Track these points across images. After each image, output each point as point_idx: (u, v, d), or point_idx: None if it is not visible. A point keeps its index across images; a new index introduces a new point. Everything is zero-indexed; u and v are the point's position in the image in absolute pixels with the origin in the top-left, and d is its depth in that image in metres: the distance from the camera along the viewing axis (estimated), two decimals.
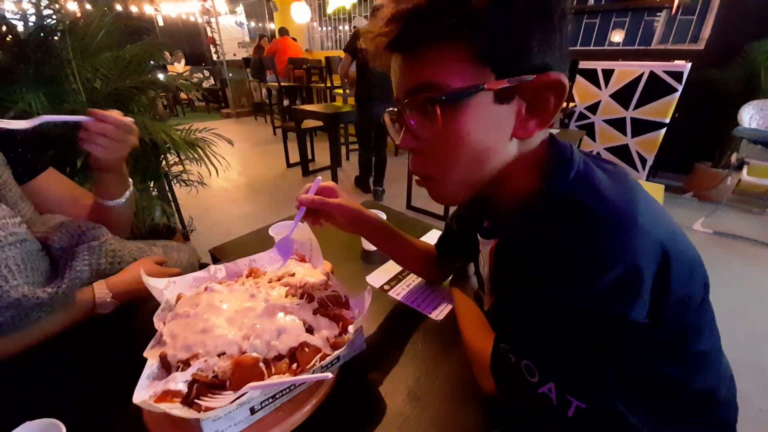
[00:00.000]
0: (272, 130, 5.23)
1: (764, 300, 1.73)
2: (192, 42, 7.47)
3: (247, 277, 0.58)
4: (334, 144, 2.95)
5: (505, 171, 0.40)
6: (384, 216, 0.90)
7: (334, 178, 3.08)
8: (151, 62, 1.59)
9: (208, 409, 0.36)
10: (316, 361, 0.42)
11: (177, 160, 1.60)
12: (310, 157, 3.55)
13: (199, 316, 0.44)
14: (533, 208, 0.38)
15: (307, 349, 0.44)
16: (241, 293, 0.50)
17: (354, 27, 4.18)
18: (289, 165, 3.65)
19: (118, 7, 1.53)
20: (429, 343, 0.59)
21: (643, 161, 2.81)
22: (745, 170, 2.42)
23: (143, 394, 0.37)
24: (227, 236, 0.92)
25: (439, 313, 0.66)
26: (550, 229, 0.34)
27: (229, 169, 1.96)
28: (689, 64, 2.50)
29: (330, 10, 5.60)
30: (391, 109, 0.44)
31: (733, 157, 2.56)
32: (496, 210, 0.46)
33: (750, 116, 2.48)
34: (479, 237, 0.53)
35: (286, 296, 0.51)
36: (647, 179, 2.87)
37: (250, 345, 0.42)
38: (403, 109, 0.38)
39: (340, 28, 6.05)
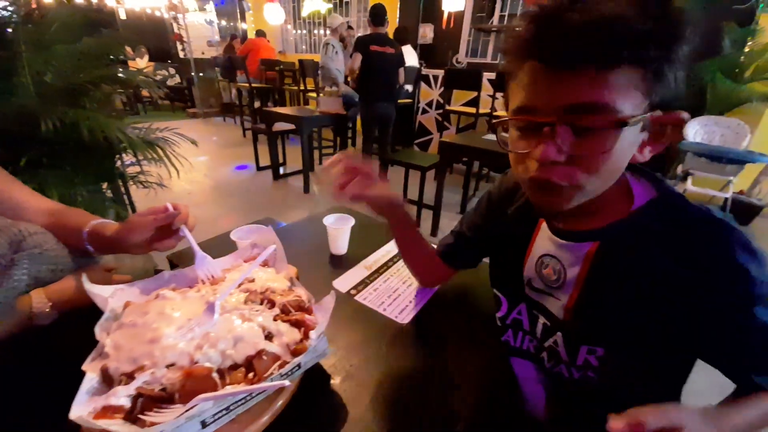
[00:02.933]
0: (242, 132, 5.08)
1: None
2: (157, 38, 7.14)
3: (203, 283, 0.55)
4: (306, 148, 2.91)
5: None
6: None
7: (306, 183, 3.04)
8: (111, 57, 1.50)
9: (152, 424, 0.34)
10: (274, 369, 0.41)
11: (134, 160, 1.52)
12: (281, 160, 3.48)
13: (147, 326, 0.42)
14: (651, 214, 0.43)
15: (265, 357, 0.42)
16: (195, 300, 0.48)
17: (349, 26, 4.16)
18: (259, 168, 3.56)
19: None
20: (393, 347, 0.59)
21: None
22: (689, 181, 2.62)
23: (81, 409, 0.34)
24: (188, 241, 0.87)
25: (405, 317, 0.66)
26: (680, 232, 0.40)
27: (192, 171, 1.88)
28: None
29: (305, 13, 5.57)
30: (506, 118, 0.42)
31: (679, 169, 2.77)
32: (591, 215, 0.46)
33: (695, 131, 2.71)
34: (558, 239, 0.50)
35: (246, 302, 0.49)
36: None
37: (203, 354, 0.40)
38: (561, 123, 0.36)
39: (315, 32, 6.02)
